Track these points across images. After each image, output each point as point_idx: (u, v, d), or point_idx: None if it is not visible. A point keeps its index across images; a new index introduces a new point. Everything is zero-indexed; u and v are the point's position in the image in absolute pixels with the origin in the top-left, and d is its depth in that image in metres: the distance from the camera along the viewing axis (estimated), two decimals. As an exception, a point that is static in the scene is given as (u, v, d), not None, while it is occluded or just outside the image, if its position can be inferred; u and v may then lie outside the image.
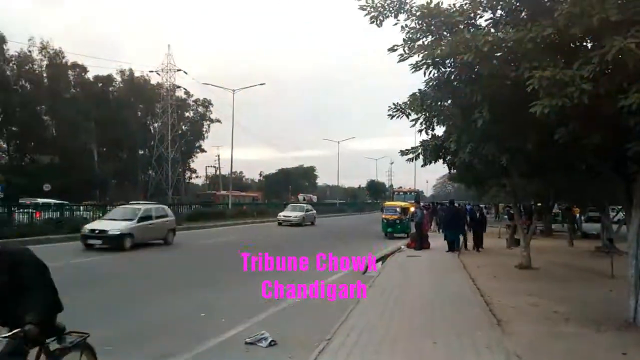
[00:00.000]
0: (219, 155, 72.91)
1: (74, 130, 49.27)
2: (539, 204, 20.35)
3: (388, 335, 5.95)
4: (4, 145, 51.81)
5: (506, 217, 23.51)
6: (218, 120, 67.69)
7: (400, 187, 49.92)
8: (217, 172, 75.54)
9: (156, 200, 45.84)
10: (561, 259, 14.74)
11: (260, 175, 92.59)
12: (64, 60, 51.97)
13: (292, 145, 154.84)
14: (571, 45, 5.78)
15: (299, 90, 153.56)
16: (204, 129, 69.37)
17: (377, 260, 14.65)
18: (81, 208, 23.31)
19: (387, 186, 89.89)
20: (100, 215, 20.55)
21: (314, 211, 35.49)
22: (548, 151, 7.06)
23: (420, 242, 16.95)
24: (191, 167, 71.76)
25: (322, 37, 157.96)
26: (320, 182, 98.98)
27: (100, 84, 57.31)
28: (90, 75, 55.94)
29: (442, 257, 15.07)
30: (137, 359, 5.18)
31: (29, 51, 49.25)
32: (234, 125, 38.54)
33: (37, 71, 50.51)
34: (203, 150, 70.74)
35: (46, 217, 19.76)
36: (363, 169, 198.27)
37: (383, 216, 24.11)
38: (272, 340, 5.74)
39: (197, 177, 75.99)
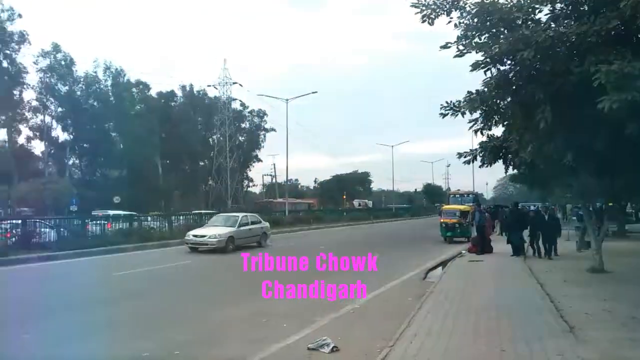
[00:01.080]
0: (274, 164, 74.43)
1: (140, 144, 51.99)
2: (611, 204, 19.09)
3: (452, 343, 5.82)
4: (77, 161, 55.65)
5: (574, 218, 22.25)
6: (273, 130, 69.16)
7: (458, 189, 48.61)
8: (273, 180, 77.06)
9: (216, 209, 47.46)
10: (636, 261, 13.77)
11: (315, 182, 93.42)
12: (126, 79, 55.17)
13: (345, 151, 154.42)
14: (639, 36, 5.46)
15: (351, 96, 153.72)
16: (260, 139, 71.14)
17: (437, 266, 14.38)
18: (148, 218, 24.47)
19: (444, 189, 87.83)
20: (167, 224, 21.91)
21: (263, 224, 21.38)
22: (618, 148, 6.67)
23: (482, 246, 16.42)
24: (248, 176, 73.67)
25: (372, 38, 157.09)
26: (375, 187, 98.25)
27: (163, 100, 60.28)
28: (153, 91, 59.10)
29: (507, 261, 14.51)
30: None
31: (95, 72, 52.69)
32: (288, 134, 39.18)
33: (103, 90, 53.88)
34: (259, 160, 72.54)
35: (117, 227, 20.90)
36: (419, 173, 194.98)
37: (441, 220, 23.58)
38: (334, 346, 5.76)
39: (254, 185, 77.93)
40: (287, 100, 38.73)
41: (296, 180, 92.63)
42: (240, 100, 66.38)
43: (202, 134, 65.55)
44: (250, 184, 76.15)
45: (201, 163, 65.91)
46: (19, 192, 35.73)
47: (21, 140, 51.02)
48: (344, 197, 73.05)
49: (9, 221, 18.56)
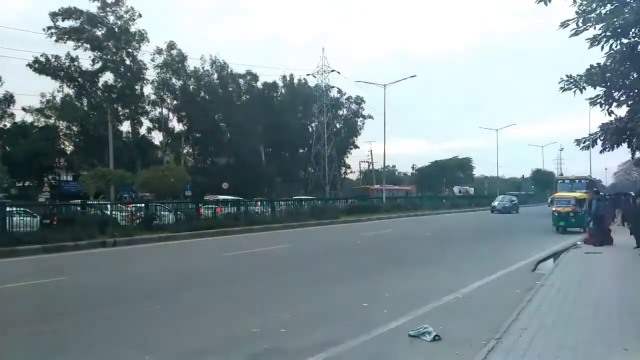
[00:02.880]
0: (371, 151, 74.28)
1: (245, 134, 54.91)
2: None
3: (567, 340, 5.43)
4: (190, 150, 60.39)
5: None
6: (370, 117, 68.92)
7: (573, 175, 44.63)
8: (370, 167, 76.96)
9: (315, 195, 48.67)
10: None
11: (413, 168, 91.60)
12: (232, 71, 58.31)
13: (445, 136, 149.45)
14: None
15: (452, 79, 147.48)
16: (358, 126, 71.29)
17: (548, 257, 13.45)
18: (252, 204, 25.85)
19: (556, 175, 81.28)
20: (270, 210, 23.26)
21: None
22: None
23: (601, 238, 15.01)
24: (346, 163, 74.33)
25: (474, 16, 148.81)
26: (477, 173, 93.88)
27: (266, 91, 62.89)
28: (260, 82, 61.94)
29: (630, 254, 13.14)
30: (306, 343, 5.55)
31: (202, 66, 56.40)
32: (385, 120, 38.80)
33: (212, 83, 57.53)
34: (357, 147, 72.78)
35: (225, 212, 22.39)
36: (527, 158, 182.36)
37: (554, 208, 21.92)
38: (436, 335, 5.68)
39: (351, 172, 78.50)
40: (384, 85, 38.34)
41: (393, 166, 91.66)
42: (338, 88, 66.99)
43: (301, 122, 67.30)
44: (348, 170, 76.86)
45: (301, 150, 67.80)
46: (141, 178, 39.62)
47: (142, 131, 56.48)
48: (444, 183, 70.80)
49: (133, 205, 20.76)
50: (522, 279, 9.89)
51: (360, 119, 70.98)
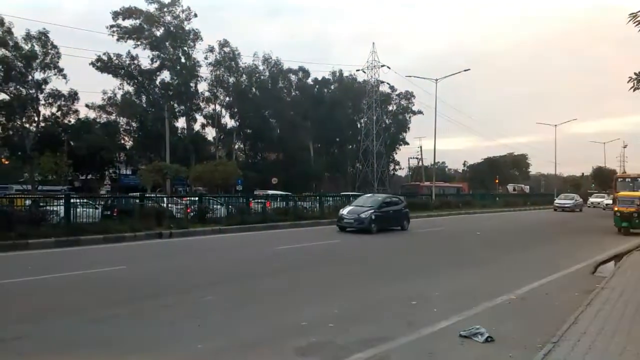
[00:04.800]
0: (421, 147, 73.10)
1: (294, 130, 55.52)
2: None
3: (631, 346, 5.13)
4: (242, 146, 61.79)
5: None
6: (420, 112, 67.82)
7: (635, 173, 42.08)
8: (420, 164, 75.71)
9: (363, 192, 48.55)
10: None
11: (465, 165, 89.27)
12: (283, 68, 59.03)
13: (499, 132, 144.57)
14: None
15: (507, 72, 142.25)
16: (407, 122, 70.33)
17: (609, 260, 12.76)
18: (303, 199, 26.06)
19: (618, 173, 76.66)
20: (318, 205, 23.31)
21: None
22: None
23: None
24: (395, 159, 73.52)
25: (532, 6, 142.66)
26: (533, 170, 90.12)
27: (317, 86, 63.23)
28: (309, 79, 62.39)
29: (703, 260, 12.19)
30: (354, 338, 5.56)
31: (255, 63, 57.42)
32: (436, 116, 38.00)
33: (263, 80, 58.50)
34: (406, 143, 71.92)
35: (274, 206, 22.73)
36: (587, 155, 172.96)
37: (616, 208, 20.73)
38: (488, 336, 5.53)
39: (400, 169, 77.61)
40: (436, 80, 37.53)
41: (443, 163, 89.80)
42: (387, 83, 66.37)
43: (350, 117, 67.20)
44: (397, 167, 76.01)
45: (349, 146, 67.73)
46: (195, 172, 40.96)
47: (197, 127, 58.36)
48: (497, 181, 68.54)
49: (188, 198, 21.48)
50: (581, 281, 9.44)
51: (410, 114, 70.02)
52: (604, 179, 75.59)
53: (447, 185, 57.55)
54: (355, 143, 65.85)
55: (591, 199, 50.53)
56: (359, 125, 66.94)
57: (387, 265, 11.51)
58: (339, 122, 61.01)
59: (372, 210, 18.40)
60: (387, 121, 68.32)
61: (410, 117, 70.04)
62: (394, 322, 6.32)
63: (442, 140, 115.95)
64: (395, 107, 70.95)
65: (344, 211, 19.03)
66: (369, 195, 22.81)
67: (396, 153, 72.76)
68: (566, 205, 39.47)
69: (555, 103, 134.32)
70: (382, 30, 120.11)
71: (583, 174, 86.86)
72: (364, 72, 62.22)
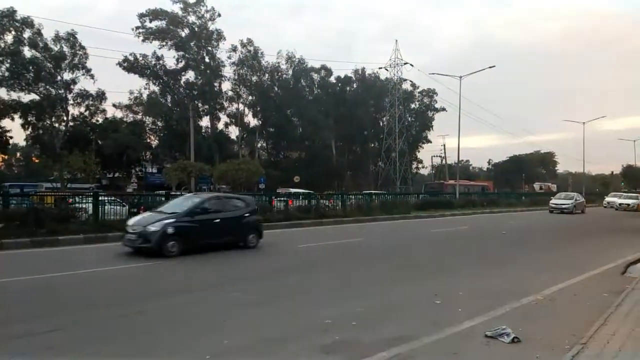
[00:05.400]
0: (444, 145, 72.31)
1: (316, 128, 55.63)
2: None
3: (663, 350, 5.01)
4: (264, 144, 62.24)
5: None
6: (443, 109, 67.09)
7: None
8: (443, 162, 74.92)
9: (385, 190, 48.29)
10: None
11: (489, 163, 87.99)
12: (306, 67, 59.19)
13: (525, 130, 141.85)
14: None
15: (533, 69, 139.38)
16: (430, 119, 69.68)
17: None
18: (323, 197, 26.12)
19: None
20: (340, 203, 23.18)
21: None
22: None
23: None
24: (417, 157, 72.97)
25: (559, 2, 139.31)
26: (560, 169, 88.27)
27: (339, 85, 63.19)
28: (332, 77, 62.45)
29: None
30: (378, 337, 5.56)
31: (278, 62, 57.73)
32: (460, 113, 37.51)
33: (286, 78, 58.78)
34: (429, 141, 71.27)
35: (297, 204, 22.83)
36: (617, 153, 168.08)
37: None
38: (515, 337, 5.46)
39: (423, 167, 77.01)
40: (460, 77, 37.08)
41: (467, 161, 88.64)
42: (410, 81, 65.86)
43: (373, 116, 66.95)
44: (419, 165, 75.42)
45: (371, 145, 67.51)
46: (219, 171, 41.42)
47: (220, 126, 59.04)
48: (523, 179, 67.35)
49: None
50: (610, 281, 9.20)
51: (433, 112, 69.35)
52: (633, 177, 73.44)
53: (472, 184, 56.74)
54: (377, 141, 65.58)
55: (607, 199, 44.87)
56: (381, 124, 66.63)
57: (410, 264, 11.44)
58: (361, 120, 60.87)
59: (173, 220, 11.34)
60: (409, 119, 67.80)
61: (433, 115, 69.43)
62: (418, 322, 6.29)
63: (466, 138, 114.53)
64: (417, 105, 70.35)
65: (131, 221, 12.07)
66: (189, 195, 14.62)
67: (419, 151, 72.25)
68: (564, 206, 33.85)
69: (584, 100, 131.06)
70: (405, 27, 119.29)
71: (612, 172, 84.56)
72: (387, 70, 61.92)
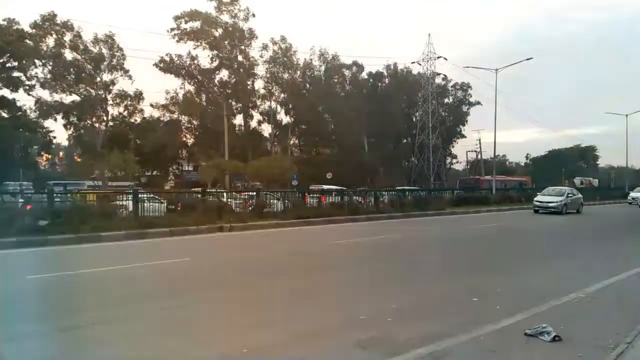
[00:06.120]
0: (479, 139, 70.93)
1: (348, 124, 55.50)
2: None
3: None
4: (296, 141, 62.61)
5: None
6: (478, 103, 65.70)
7: None
8: (478, 157, 73.37)
9: (418, 186, 47.80)
10: None
11: (527, 158, 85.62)
12: (338, 63, 59.14)
13: (564, 123, 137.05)
14: None
15: (572, 61, 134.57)
16: (464, 114, 68.37)
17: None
18: (355, 193, 26.07)
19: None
20: (373, 200, 22.98)
21: None
22: None
23: None
24: (452, 152, 71.76)
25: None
26: (602, 163, 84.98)
27: (371, 80, 62.82)
28: (363, 73, 62.14)
29: None
30: (414, 334, 5.52)
31: (311, 59, 57.89)
32: (496, 107, 36.67)
33: (317, 75, 58.86)
34: (463, 136, 69.95)
35: (329, 201, 22.88)
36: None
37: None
38: (556, 335, 5.32)
39: (457, 162, 75.66)
40: (496, 70, 36.22)
41: (504, 156, 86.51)
42: (443, 75, 64.78)
43: (405, 111, 66.24)
44: (454, 160, 74.13)
45: (404, 140, 66.83)
46: (252, 168, 41.99)
47: (253, 124, 59.74)
48: (562, 174, 65.20)
49: (246, 193, 22.07)
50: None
51: (467, 106, 67.98)
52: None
53: (509, 179, 55.31)
54: (410, 137, 64.85)
55: (632, 194, 40.64)
56: (414, 119, 65.84)
57: (446, 260, 11.30)
58: (394, 116, 60.32)
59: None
60: (443, 114, 66.70)
61: (468, 110, 68.05)
62: (455, 319, 6.21)
63: (502, 133, 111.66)
64: (451, 99, 69.11)
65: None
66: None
67: (453, 146, 70.98)
68: (550, 205, 26.27)
69: (626, 91, 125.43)
70: (438, 20, 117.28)
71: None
72: (420, 65, 61.13)
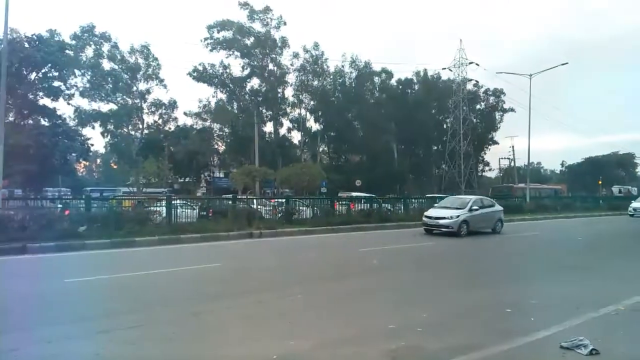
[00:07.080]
0: (513, 146, 69.52)
1: (377, 131, 55.33)
2: None
3: None
4: (326, 148, 62.82)
5: None
6: (511, 109, 64.41)
7: None
8: (512, 164, 71.79)
9: (449, 194, 47.11)
10: None
11: (562, 165, 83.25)
12: (368, 70, 59.14)
13: (602, 130, 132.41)
14: None
15: (609, 65, 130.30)
16: (496, 120, 67.13)
17: None
18: (385, 201, 25.90)
19: None
20: (402, 207, 22.87)
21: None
22: None
23: None
24: (484, 159, 70.45)
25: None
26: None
27: (400, 87, 62.52)
28: (393, 80, 61.94)
29: None
30: (444, 345, 5.44)
31: (342, 65, 58.08)
32: (530, 113, 35.86)
33: (347, 82, 58.99)
34: (495, 142, 68.63)
35: (358, 208, 22.82)
36: None
37: None
38: (593, 349, 5.14)
39: (489, 169, 74.21)
40: (530, 75, 35.47)
41: (538, 163, 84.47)
42: (475, 80, 63.80)
43: (436, 117, 65.53)
44: (486, 168, 72.73)
45: (434, 147, 66.06)
46: (282, 175, 42.32)
47: (283, 131, 60.30)
48: (600, 182, 63.04)
49: (275, 200, 22.25)
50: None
51: (500, 112, 66.68)
52: None
53: (543, 187, 53.87)
54: (440, 144, 64.06)
55: (634, 204, 36.09)
56: (444, 126, 65.05)
57: (478, 270, 11.10)
58: (424, 123, 59.78)
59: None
60: (474, 120, 65.63)
61: (502, 117, 66.75)
62: (487, 330, 6.08)
63: (536, 139, 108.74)
64: (483, 106, 67.96)
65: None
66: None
67: (485, 153, 69.71)
68: (442, 222, 17.92)
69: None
70: (470, 25, 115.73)
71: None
72: (451, 70, 60.47)
